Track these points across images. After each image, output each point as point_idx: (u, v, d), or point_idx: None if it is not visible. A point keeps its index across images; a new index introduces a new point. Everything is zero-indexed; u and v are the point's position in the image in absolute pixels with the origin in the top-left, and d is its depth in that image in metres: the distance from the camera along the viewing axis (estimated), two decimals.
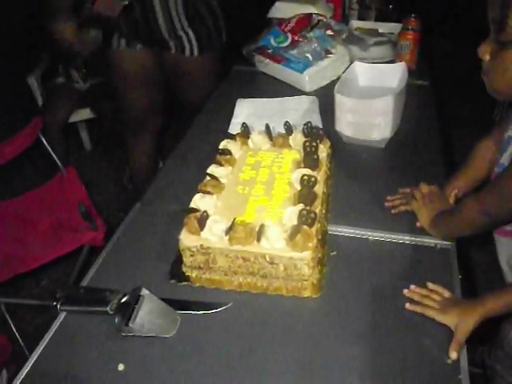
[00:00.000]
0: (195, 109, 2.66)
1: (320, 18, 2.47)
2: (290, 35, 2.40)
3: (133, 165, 3.03)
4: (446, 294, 1.28)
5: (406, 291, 1.29)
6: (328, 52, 2.37)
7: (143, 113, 2.67)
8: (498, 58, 1.16)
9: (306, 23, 2.45)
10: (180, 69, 2.59)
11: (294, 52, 2.35)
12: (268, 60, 2.43)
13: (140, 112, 2.63)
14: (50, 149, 2.44)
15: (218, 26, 2.56)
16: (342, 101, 1.79)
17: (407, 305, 1.25)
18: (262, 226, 1.22)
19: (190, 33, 2.47)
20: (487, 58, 1.19)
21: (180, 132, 2.08)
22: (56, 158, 2.47)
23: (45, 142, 2.42)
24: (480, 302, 1.22)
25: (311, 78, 2.29)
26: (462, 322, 1.18)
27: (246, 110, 1.96)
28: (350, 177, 1.71)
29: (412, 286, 1.30)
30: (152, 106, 2.74)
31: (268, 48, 2.44)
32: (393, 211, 1.55)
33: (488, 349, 1.88)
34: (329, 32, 2.42)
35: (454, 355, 1.13)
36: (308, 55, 2.32)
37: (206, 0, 2.45)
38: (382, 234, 1.47)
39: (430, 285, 1.30)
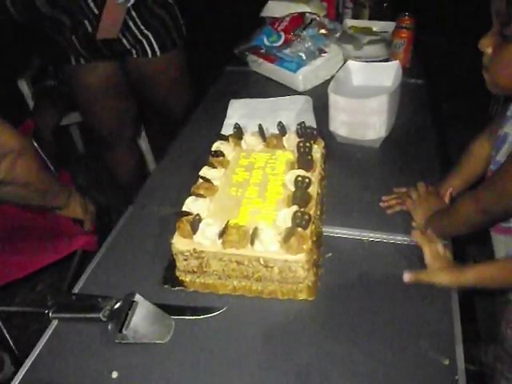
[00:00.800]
0: (169, 108, 2.70)
1: (313, 16, 2.46)
2: (283, 34, 2.39)
3: (116, 177, 3.00)
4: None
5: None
6: (322, 51, 2.35)
7: (114, 125, 2.62)
8: (501, 52, 1.14)
9: (299, 22, 2.44)
10: (145, 72, 2.54)
11: (288, 51, 2.34)
12: (261, 60, 2.42)
13: (111, 125, 2.58)
14: (42, 153, 2.41)
15: (176, 23, 2.50)
16: (335, 100, 1.77)
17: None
18: (255, 229, 1.20)
19: (150, 35, 2.40)
20: (489, 51, 1.17)
21: (172, 134, 2.07)
22: (48, 162, 2.44)
23: (36, 145, 2.39)
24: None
25: (305, 78, 2.28)
26: (440, 273, 1.24)
27: (238, 111, 1.94)
28: (345, 177, 1.69)
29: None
30: (122, 118, 2.68)
31: (261, 47, 2.43)
32: (388, 211, 1.54)
33: (485, 347, 1.88)
34: (322, 31, 2.40)
35: (406, 277, 1.23)
36: (301, 54, 2.31)
37: (161, 1, 2.40)
38: (377, 235, 1.45)
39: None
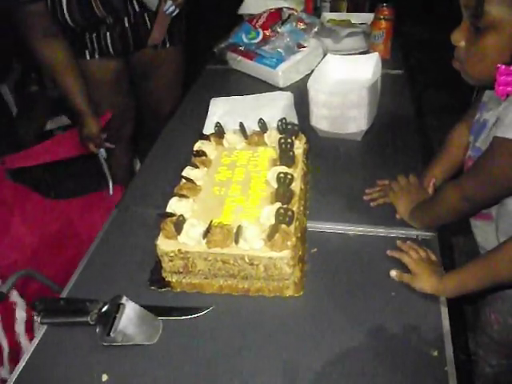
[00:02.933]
0: (161, 104, 2.75)
1: (291, 11, 2.46)
2: (261, 31, 2.39)
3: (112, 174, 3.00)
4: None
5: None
6: (300, 46, 2.35)
7: (117, 123, 2.63)
8: (475, 45, 1.13)
9: (277, 17, 2.44)
10: (152, 60, 2.58)
11: (266, 48, 2.34)
12: (240, 57, 2.42)
13: (114, 123, 2.60)
14: (104, 165, 2.44)
15: (182, 21, 2.57)
16: (315, 95, 1.77)
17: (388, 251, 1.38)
18: (239, 228, 1.20)
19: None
20: (462, 44, 1.16)
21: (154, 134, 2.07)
22: (108, 175, 2.47)
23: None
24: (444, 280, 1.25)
25: (284, 73, 2.28)
26: (421, 280, 1.26)
27: (220, 109, 1.94)
28: (328, 171, 1.70)
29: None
30: (125, 113, 2.72)
31: (240, 45, 2.43)
32: (372, 204, 1.55)
33: (472, 335, 1.89)
34: (300, 25, 2.40)
35: (392, 274, 1.30)
36: (280, 50, 2.31)
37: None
38: (362, 228, 1.46)
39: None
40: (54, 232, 2.22)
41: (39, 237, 2.09)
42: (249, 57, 2.39)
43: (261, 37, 2.37)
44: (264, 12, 2.48)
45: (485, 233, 1.45)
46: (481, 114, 1.36)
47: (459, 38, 1.17)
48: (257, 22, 2.44)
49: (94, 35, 2.31)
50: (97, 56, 2.40)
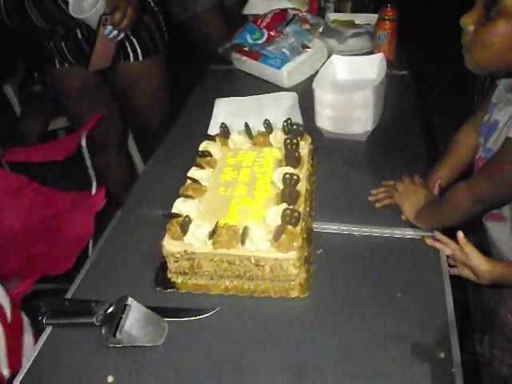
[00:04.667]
0: (146, 119, 2.67)
1: (295, 12, 2.46)
2: (265, 31, 2.39)
3: (105, 182, 2.99)
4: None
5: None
6: (305, 46, 2.35)
7: (101, 130, 2.59)
8: (484, 30, 1.11)
9: (281, 18, 2.44)
10: (126, 77, 2.52)
11: (271, 48, 2.34)
12: (245, 57, 2.41)
13: (97, 130, 2.56)
14: (89, 164, 2.42)
15: (160, 31, 2.51)
16: (320, 96, 1.77)
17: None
18: (245, 228, 1.20)
19: (134, 40, 2.41)
20: (471, 29, 1.15)
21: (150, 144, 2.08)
22: (92, 175, 2.43)
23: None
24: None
25: (289, 74, 2.27)
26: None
27: (224, 110, 1.94)
28: (334, 172, 1.70)
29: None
30: (108, 123, 2.67)
31: (244, 45, 2.42)
32: (377, 205, 1.54)
33: (480, 336, 1.88)
34: (305, 26, 2.40)
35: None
36: (285, 51, 2.31)
37: (148, 8, 2.41)
38: (367, 229, 1.46)
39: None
40: (39, 220, 2.27)
41: (23, 220, 2.10)
42: (253, 57, 2.38)
43: (265, 37, 2.37)
44: (268, 12, 2.48)
45: (498, 233, 1.45)
46: (491, 114, 1.35)
47: (469, 22, 1.15)
48: (261, 22, 2.44)
49: (52, 43, 2.30)
50: (66, 65, 2.39)
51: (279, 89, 2.23)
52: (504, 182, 1.20)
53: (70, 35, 2.25)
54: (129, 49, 2.41)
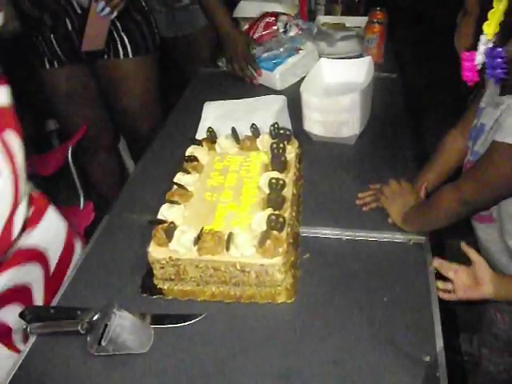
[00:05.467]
0: (135, 122, 2.66)
1: (287, 19, 2.45)
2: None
3: (95, 185, 2.98)
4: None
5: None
6: (297, 49, 2.35)
7: (92, 133, 2.58)
8: (459, 27, 1.24)
9: (273, 25, 2.44)
10: (115, 75, 2.51)
11: (265, 54, 2.35)
12: None
13: (88, 133, 2.55)
14: (76, 180, 2.40)
15: (151, 30, 2.51)
16: (308, 99, 1.77)
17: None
18: (230, 234, 1.20)
19: (124, 37, 2.41)
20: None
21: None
22: (80, 191, 2.42)
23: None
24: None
25: (282, 76, 2.28)
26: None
27: (213, 113, 1.93)
28: (321, 176, 1.69)
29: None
30: (98, 126, 2.66)
31: None
32: (364, 208, 1.54)
33: (468, 336, 1.88)
34: (298, 33, 2.41)
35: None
36: (277, 53, 2.32)
37: (139, 7, 2.42)
38: (354, 233, 1.46)
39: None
40: None
41: None
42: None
43: (260, 50, 2.38)
44: (259, 19, 2.48)
45: (488, 235, 1.46)
46: (478, 119, 1.36)
47: (458, 20, 1.26)
48: (253, 33, 2.46)
49: (40, 38, 2.29)
50: (56, 65, 2.37)
51: (269, 91, 2.22)
52: (490, 184, 1.21)
53: (58, 25, 2.23)
54: (119, 45, 2.41)
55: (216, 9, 2.37)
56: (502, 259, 1.46)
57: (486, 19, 1.12)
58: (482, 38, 1.15)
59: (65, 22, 2.23)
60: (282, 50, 2.34)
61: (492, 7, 1.10)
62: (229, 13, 2.41)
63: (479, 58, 1.16)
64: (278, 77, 2.28)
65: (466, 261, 1.28)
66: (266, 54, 2.35)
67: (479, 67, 1.18)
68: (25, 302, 1.38)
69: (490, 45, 1.14)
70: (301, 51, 2.36)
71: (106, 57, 2.42)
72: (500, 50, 1.11)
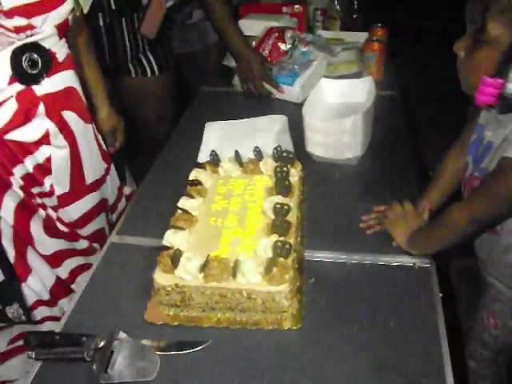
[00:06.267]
0: (154, 132, 2.74)
1: (292, 33, 2.47)
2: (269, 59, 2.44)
3: None
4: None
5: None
6: (310, 61, 2.36)
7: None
8: (472, 55, 1.23)
9: (281, 41, 2.46)
10: (141, 91, 2.59)
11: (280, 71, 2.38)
12: None
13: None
14: None
15: (170, 49, 2.63)
16: (310, 121, 1.77)
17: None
18: (236, 262, 1.20)
19: (150, 55, 2.50)
20: (462, 54, 1.26)
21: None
22: None
23: None
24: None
25: (302, 88, 2.28)
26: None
27: (214, 134, 1.93)
28: (325, 198, 1.69)
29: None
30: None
31: None
32: (368, 232, 1.54)
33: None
34: (306, 47, 2.42)
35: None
36: (295, 66, 2.34)
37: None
38: (359, 257, 1.45)
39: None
40: None
41: None
42: None
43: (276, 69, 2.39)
44: (266, 36, 2.50)
45: (489, 247, 1.48)
46: (480, 134, 1.39)
47: (460, 48, 1.26)
48: (263, 50, 2.48)
49: None
50: None
51: (271, 109, 2.22)
52: (499, 200, 1.23)
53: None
54: (145, 64, 2.51)
55: (228, 29, 2.36)
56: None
57: None
58: None
59: (97, 17, 2.27)
60: (296, 66, 2.35)
61: None
62: (241, 32, 2.40)
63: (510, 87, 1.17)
64: (299, 89, 2.29)
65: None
66: (280, 68, 2.37)
67: (508, 96, 1.19)
68: None
69: None
70: (314, 62, 2.36)
71: (133, 75, 2.50)
72: None
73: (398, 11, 5.14)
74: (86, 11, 1.55)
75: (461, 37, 1.26)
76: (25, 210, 1.54)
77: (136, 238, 1.59)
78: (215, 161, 1.60)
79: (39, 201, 1.59)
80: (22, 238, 1.55)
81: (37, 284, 1.59)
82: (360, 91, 1.94)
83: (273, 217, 1.34)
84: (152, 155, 2.09)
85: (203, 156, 1.78)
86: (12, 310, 1.23)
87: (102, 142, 1.80)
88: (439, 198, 1.58)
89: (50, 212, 1.63)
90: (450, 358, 1.17)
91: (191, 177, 1.53)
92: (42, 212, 1.60)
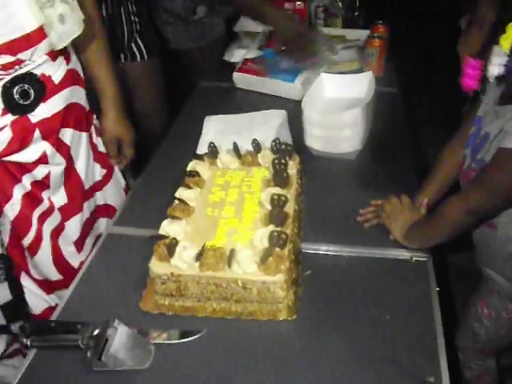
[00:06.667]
0: (146, 121, 2.71)
1: None
2: None
3: None
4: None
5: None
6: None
7: None
8: (466, 30, 1.32)
9: None
10: (131, 76, 2.58)
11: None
12: (249, 75, 2.42)
13: None
14: None
15: (156, 35, 2.66)
16: (309, 115, 1.77)
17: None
18: (232, 251, 1.20)
19: (139, 41, 2.53)
20: (463, 26, 1.34)
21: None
22: None
23: None
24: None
25: (303, 85, 2.27)
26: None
27: (214, 128, 1.93)
28: (322, 191, 1.69)
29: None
30: None
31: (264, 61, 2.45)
32: (365, 225, 1.54)
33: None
34: None
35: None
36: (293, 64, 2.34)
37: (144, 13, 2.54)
38: (356, 250, 1.45)
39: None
40: None
41: None
42: (261, 74, 2.40)
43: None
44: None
45: (487, 240, 1.47)
46: (479, 127, 1.37)
47: (463, 21, 1.36)
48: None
49: None
50: None
51: (270, 106, 2.21)
52: (496, 191, 1.23)
53: None
54: (135, 49, 2.53)
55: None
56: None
57: (501, 30, 1.12)
58: (496, 50, 1.15)
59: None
60: None
61: (510, 20, 1.11)
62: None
63: (493, 69, 1.17)
64: (300, 86, 2.28)
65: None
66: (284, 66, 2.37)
67: (491, 79, 1.18)
68: None
69: (505, 57, 1.15)
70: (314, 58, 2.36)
71: (123, 60, 2.52)
72: None
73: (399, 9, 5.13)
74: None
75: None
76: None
77: (133, 228, 1.59)
78: (213, 153, 1.60)
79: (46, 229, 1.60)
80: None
81: None
82: (360, 86, 1.94)
83: (270, 207, 1.34)
84: (146, 146, 2.09)
85: (202, 149, 1.78)
86: (15, 328, 1.25)
87: (102, 147, 1.78)
88: (437, 192, 1.57)
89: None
90: (446, 351, 1.17)
91: (189, 168, 1.54)
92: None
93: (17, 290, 1.56)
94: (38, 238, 1.57)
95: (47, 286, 1.66)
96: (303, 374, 1.14)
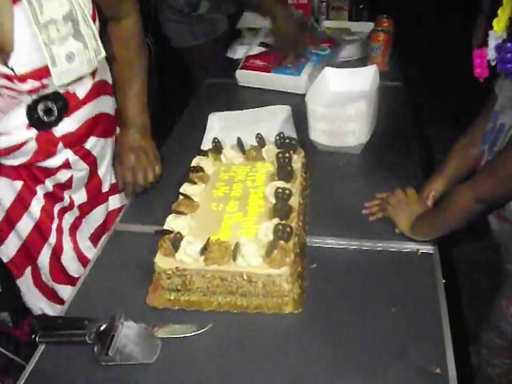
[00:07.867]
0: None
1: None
2: None
3: None
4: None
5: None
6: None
7: None
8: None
9: None
10: None
11: None
12: (254, 72, 2.41)
13: None
14: None
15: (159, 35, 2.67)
16: (313, 109, 1.77)
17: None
18: (237, 244, 1.20)
19: None
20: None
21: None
22: None
23: None
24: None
25: (309, 78, 2.27)
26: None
27: (218, 124, 1.93)
28: (328, 185, 1.69)
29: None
30: None
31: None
32: (371, 218, 1.54)
33: (477, 348, 1.88)
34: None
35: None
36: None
37: None
38: (361, 243, 1.45)
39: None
40: None
41: None
42: (265, 70, 2.39)
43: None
44: None
45: (509, 236, 1.46)
46: (495, 121, 1.36)
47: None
48: None
49: None
50: None
51: (274, 102, 2.21)
52: (507, 177, 1.20)
53: None
54: None
55: None
56: None
57: (496, 16, 1.12)
58: (492, 34, 1.15)
59: None
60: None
61: (502, 4, 1.11)
62: None
63: (491, 53, 1.17)
64: (307, 78, 2.28)
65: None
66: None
67: (493, 63, 1.18)
68: None
69: (501, 40, 1.14)
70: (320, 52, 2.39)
71: None
72: (510, 45, 1.12)
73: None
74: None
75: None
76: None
77: (139, 225, 1.60)
78: (218, 148, 1.60)
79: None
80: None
81: None
82: (364, 79, 1.93)
83: (274, 201, 1.34)
84: None
85: (207, 145, 1.78)
86: (1, 318, 1.27)
87: None
88: (444, 185, 1.55)
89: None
90: (452, 344, 1.17)
91: (193, 163, 1.54)
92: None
93: (8, 283, 1.57)
94: (60, 233, 1.62)
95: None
96: (308, 367, 1.14)
